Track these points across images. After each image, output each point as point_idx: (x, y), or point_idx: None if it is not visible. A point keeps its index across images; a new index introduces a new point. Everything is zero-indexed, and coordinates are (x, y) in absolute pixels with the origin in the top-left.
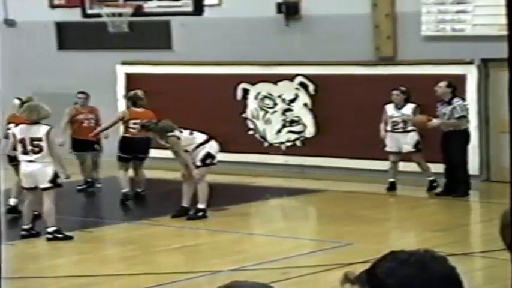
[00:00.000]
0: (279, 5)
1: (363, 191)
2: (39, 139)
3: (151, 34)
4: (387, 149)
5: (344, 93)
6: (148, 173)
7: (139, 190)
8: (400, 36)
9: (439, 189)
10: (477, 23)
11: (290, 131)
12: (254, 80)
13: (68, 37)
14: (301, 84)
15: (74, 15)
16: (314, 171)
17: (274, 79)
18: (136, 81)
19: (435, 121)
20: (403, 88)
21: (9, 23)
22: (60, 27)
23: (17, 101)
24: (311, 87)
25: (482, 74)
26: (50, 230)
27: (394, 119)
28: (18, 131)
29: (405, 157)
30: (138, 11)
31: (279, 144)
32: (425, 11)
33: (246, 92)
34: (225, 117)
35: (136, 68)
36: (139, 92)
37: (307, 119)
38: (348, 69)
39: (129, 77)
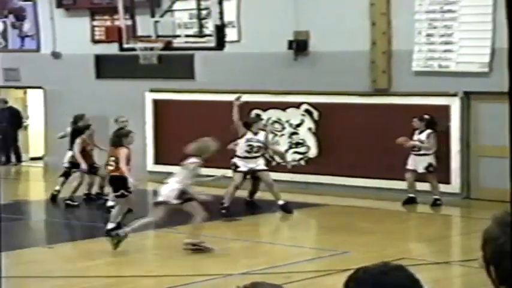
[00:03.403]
0: (290, 42)
1: (359, 205)
2: None
3: (177, 65)
4: (407, 166)
5: (344, 119)
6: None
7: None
8: (393, 70)
9: None
10: (461, 61)
11: (296, 152)
12: (265, 106)
13: (105, 67)
14: (307, 111)
15: (112, 49)
16: (316, 187)
17: (283, 106)
18: (163, 107)
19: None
20: (426, 116)
21: (56, 55)
22: (99, 59)
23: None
24: (315, 114)
25: (464, 105)
26: None
27: (415, 142)
28: None
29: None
30: (168, 46)
31: (285, 163)
32: (417, 50)
33: (258, 117)
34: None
35: (162, 95)
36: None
37: (311, 142)
38: (348, 98)
39: (156, 102)
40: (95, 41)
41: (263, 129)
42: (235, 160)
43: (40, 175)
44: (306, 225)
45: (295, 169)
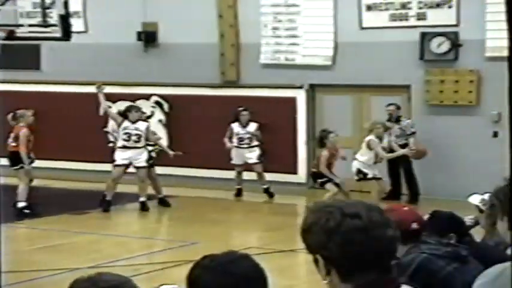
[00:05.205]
0: (139, 34)
1: (209, 196)
2: None
3: (22, 56)
4: (233, 162)
5: (194, 111)
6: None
7: None
8: (242, 63)
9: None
10: (306, 54)
11: (147, 144)
12: (115, 98)
13: None
14: (157, 102)
15: None
16: (167, 179)
17: (133, 98)
18: (7, 98)
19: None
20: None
21: None
22: None
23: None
24: (165, 106)
25: (309, 97)
26: None
27: (240, 136)
28: None
29: (247, 167)
30: (11, 35)
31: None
32: (264, 43)
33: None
34: (88, 130)
35: (6, 86)
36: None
37: (162, 134)
38: (198, 90)
39: None
40: None
41: (143, 120)
42: (116, 153)
43: None
44: (156, 217)
45: None
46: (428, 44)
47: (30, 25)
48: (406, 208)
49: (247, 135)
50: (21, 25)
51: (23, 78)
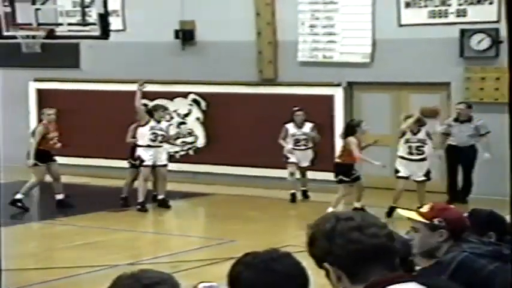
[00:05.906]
0: (176, 32)
1: (246, 194)
2: None
3: (62, 54)
4: (290, 160)
5: (231, 109)
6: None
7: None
8: (279, 61)
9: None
10: (344, 52)
11: (184, 142)
12: (153, 96)
13: None
14: (194, 100)
15: None
16: (204, 177)
17: (171, 96)
18: (47, 96)
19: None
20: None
21: None
22: None
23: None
24: (203, 104)
25: (347, 95)
26: None
27: (296, 137)
28: None
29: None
30: (50, 34)
31: (173, 153)
32: (302, 40)
33: (145, 106)
34: (127, 128)
35: (47, 84)
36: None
37: (199, 131)
38: (235, 88)
39: (40, 92)
40: None
41: (167, 119)
42: (140, 153)
43: None
44: (193, 214)
45: (183, 159)
46: (468, 41)
47: (70, 24)
48: (452, 206)
49: (303, 136)
50: (61, 24)
51: (63, 77)
